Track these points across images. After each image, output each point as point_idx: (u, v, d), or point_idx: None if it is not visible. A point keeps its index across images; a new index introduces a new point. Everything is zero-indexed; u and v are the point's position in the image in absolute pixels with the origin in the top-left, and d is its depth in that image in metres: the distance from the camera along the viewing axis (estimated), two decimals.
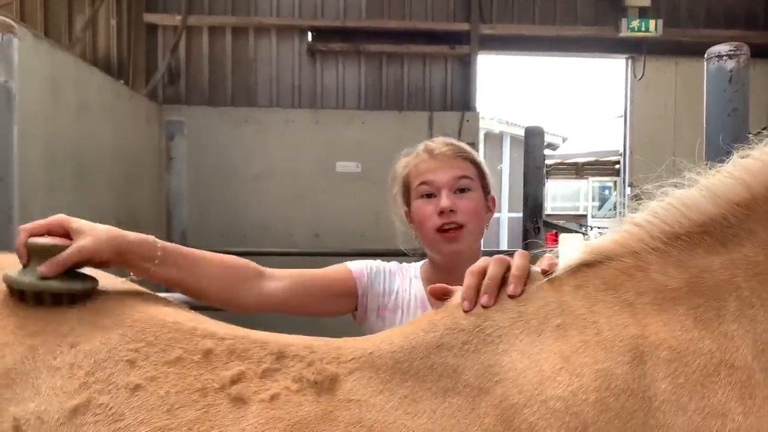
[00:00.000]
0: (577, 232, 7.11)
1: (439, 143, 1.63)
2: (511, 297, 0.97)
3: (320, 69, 6.79)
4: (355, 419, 0.88)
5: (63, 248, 1.04)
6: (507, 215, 10.83)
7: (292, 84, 6.75)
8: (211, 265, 1.29)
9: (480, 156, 1.68)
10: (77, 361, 0.92)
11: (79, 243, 1.07)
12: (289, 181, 6.30)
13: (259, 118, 6.36)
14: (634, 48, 7.04)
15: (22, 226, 1.07)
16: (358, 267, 1.59)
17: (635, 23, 6.72)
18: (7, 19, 1.87)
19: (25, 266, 1.03)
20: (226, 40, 6.67)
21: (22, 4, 5.99)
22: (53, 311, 0.99)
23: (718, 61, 2.04)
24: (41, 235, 1.06)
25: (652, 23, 6.69)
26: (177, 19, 6.44)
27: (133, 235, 1.17)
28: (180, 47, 6.52)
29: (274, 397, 0.90)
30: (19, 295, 1.00)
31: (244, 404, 0.89)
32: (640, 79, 7.05)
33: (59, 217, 1.10)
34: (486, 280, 0.99)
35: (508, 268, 1.01)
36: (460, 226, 1.53)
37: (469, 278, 1.01)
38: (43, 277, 1.00)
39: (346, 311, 1.60)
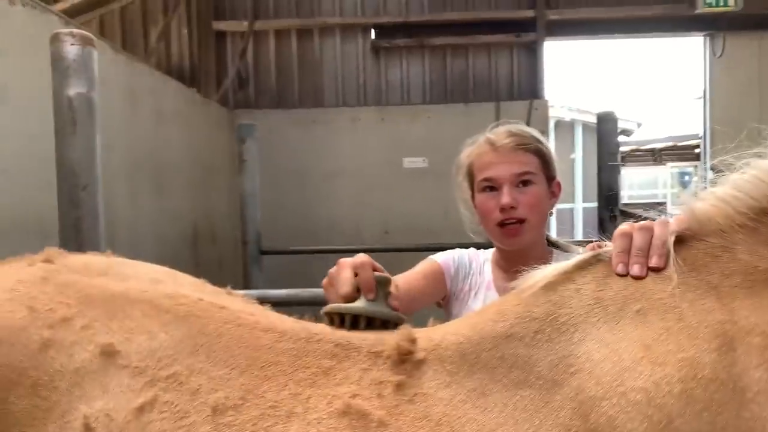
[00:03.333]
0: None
1: (501, 134, 1.64)
2: (654, 270, 0.91)
3: (384, 66, 6.80)
4: (422, 414, 0.85)
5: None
6: (581, 205, 10.53)
7: (358, 82, 6.80)
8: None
9: (544, 139, 1.68)
10: (143, 358, 0.91)
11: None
12: (358, 179, 6.35)
13: (326, 118, 6.44)
14: (711, 24, 6.66)
15: (358, 261, 1.14)
16: (445, 260, 1.70)
17: None
18: (86, 33, 1.97)
19: (366, 298, 1.09)
20: (291, 42, 6.79)
21: (102, 19, 6.31)
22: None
23: None
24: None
25: None
26: (244, 25, 6.60)
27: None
28: (248, 52, 6.69)
29: (339, 393, 0.88)
30: (354, 323, 1.05)
31: (308, 399, 0.88)
32: (720, 57, 6.67)
33: (366, 257, 1.16)
34: (634, 251, 0.94)
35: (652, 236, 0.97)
36: (521, 221, 1.57)
37: (619, 241, 0.97)
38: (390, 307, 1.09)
39: (438, 300, 1.73)
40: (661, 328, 0.84)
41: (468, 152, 1.70)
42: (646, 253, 0.93)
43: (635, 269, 0.92)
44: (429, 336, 0.95)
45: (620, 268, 0.93)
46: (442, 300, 1.72)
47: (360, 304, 1.07)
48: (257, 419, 0.85)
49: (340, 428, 0.84)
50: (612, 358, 0.83)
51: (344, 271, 1.13)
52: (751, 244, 0.87)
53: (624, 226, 0.99)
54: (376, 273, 1.11)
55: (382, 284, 1.09)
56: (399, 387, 0.88)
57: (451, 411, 0.85)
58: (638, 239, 0.95)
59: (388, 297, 1.11)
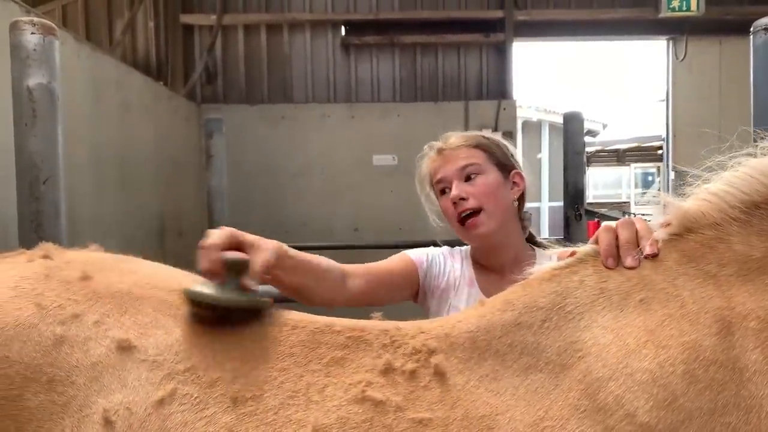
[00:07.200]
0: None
1: (446, 138, 1.72)
2: (649, 257, 0.95)
3: (354, 63, 6.79)
4: (437, 398, 0.88)
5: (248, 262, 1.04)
6: (547, 204, 10.67)
7: (327, 79, 6.77)
8: (318, 269, 1.37)
9: (491, 136, 1.72)
10: (160, 352, 0.93)
11: (263, 257, 1.11)
12: (327, 175, 6.33)
13: (295, 115, 6.40)
14: (675, 28, 6.83)
15: (206, 243, 1.04)
16: (418, 255, 1.70)
17: (675, 3, 6.50)
18: (47, 22, 1.93)
19: (215, 282, 1.00)
20: (261, 37, 6.72)
21: (65, 10, 6.16)
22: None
23: (765, 34, 1.96)
24: (223, 250, 1.04)
25: (693, 2, 6.47)
26: (212, 19, 6.52)
27: (282, 245, 1.21)
28: (216, 46, 6.61)
29: (354, 381, 0.90)
30: (212, 311, 0.97)
31: (324, 388, 0.90)
32: (683, 60, 6.84)
33: (230, 231, 1.09)
34: (623, 243, 0.97)
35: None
36: (476, 211, 1.60)
37: (604, 236, 0.99)
38: (244, 291, 0.99)
39: (410, 297, 1.71)
40: (664, 315, 0.89)
41: (424, 164, 1.75)
42: (635, 245, 0.97)
43: (628, 261, 0.95)
44: (439, 326, 0.98)
45: (610, 262, 0.96)
46: (415, 296, 1.72)
47: (206, 290, 0.97)
48: (278, 408, 0.88)
49: (360, 413, 0.87)
50: (618, 343, 0.87)
51: (202, 254, 1.05)
52: (745, 235, 0.92)
53: (607, 224, 1.03)
54: (228, 255, 1.01)
55: (234, 267, 1.00)
56: (413, 375, 0.91)
57: (464, 395, 0.88)
58: (624, 233, 0.98)
59: (240, 279, 1.01)
